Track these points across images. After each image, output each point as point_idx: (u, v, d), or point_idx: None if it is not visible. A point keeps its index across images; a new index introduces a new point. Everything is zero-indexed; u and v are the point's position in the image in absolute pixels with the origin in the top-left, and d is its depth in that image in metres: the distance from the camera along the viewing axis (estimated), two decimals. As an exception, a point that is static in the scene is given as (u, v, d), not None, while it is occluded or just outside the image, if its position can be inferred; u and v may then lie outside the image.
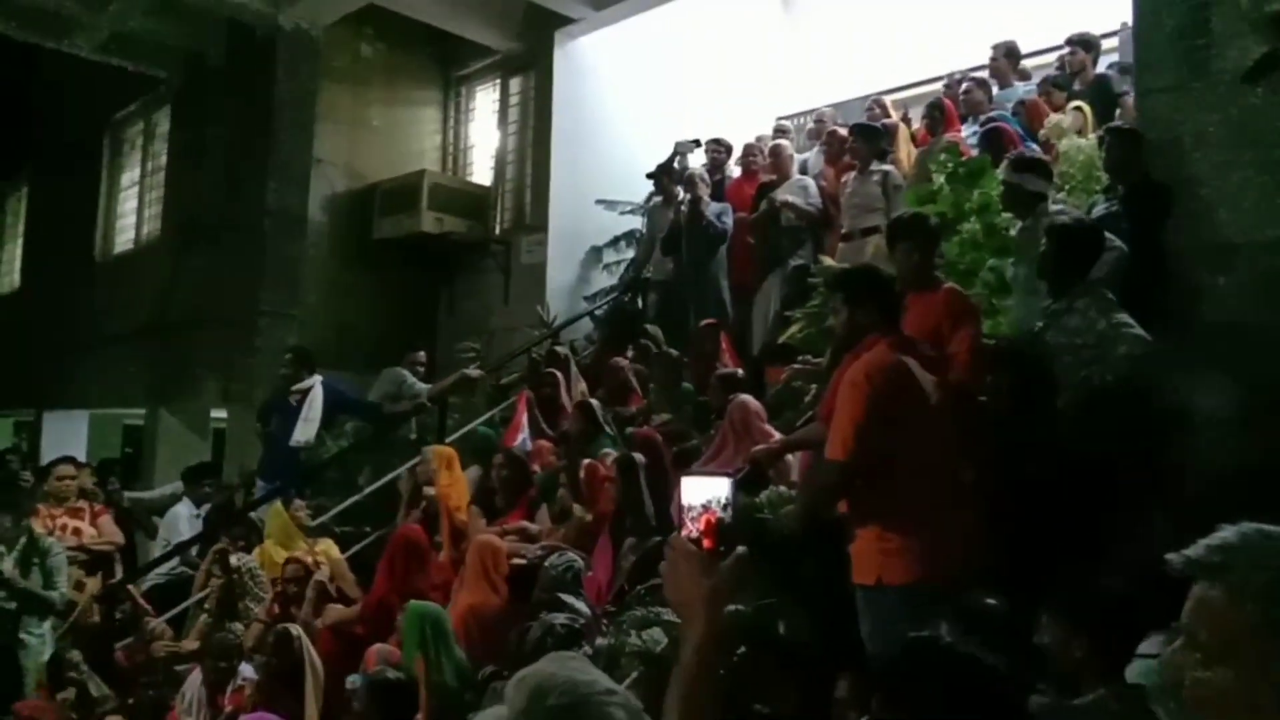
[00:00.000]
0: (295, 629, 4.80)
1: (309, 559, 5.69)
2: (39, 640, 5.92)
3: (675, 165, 8.10)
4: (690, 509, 1.53)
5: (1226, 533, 1.07)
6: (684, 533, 1.52)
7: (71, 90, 12.96)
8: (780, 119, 9.52)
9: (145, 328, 11.04)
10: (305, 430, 7.19)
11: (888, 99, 8.36)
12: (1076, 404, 3.71)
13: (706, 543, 1.49)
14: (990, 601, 2.56)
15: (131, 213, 12.44)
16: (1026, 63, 7.81)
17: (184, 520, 7.68)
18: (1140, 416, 3.58)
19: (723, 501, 1.52)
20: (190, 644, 5.76)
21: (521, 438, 6.53)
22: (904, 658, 1.84)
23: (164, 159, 11.83)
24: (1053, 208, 4.67)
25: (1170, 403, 3.75)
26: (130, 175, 12.67)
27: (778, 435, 4.86)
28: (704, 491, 1.53)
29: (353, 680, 4.38)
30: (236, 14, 9.75)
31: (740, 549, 1.49)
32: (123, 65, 10.93)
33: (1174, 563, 1.09)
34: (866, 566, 3.33)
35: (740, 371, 6.15)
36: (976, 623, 2.26)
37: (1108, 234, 4.26)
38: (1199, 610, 1.06)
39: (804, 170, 7.78)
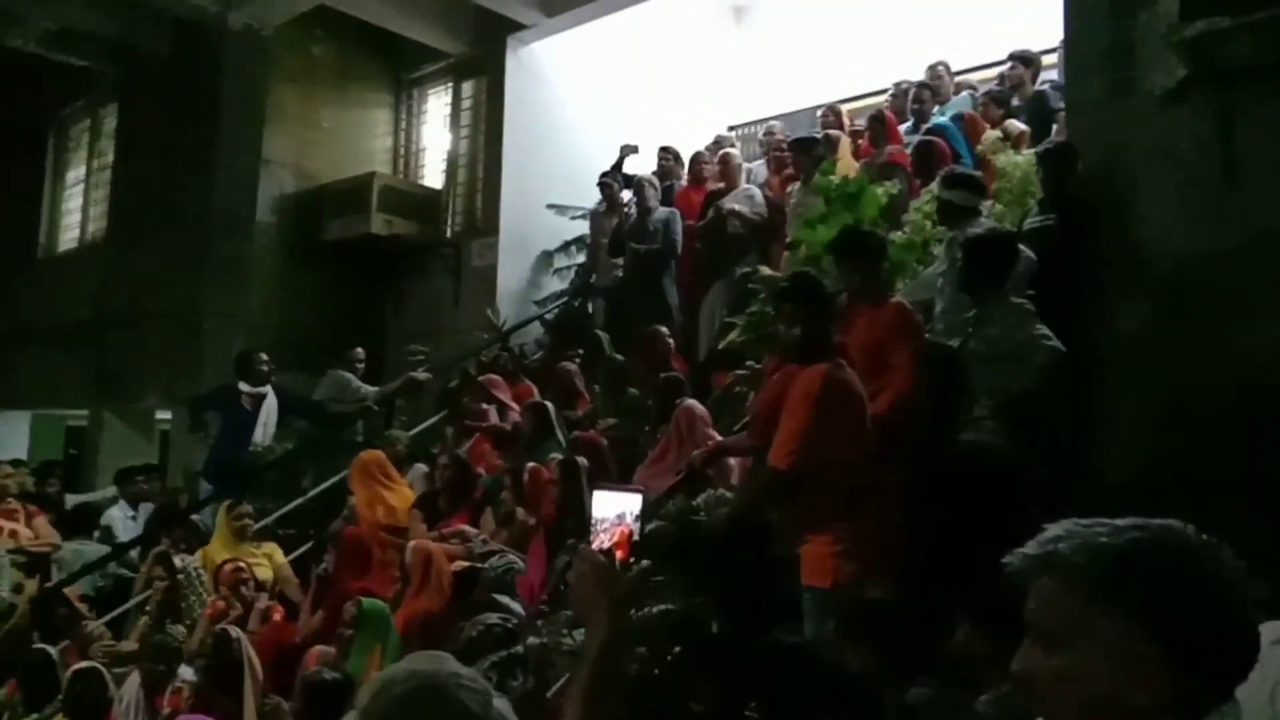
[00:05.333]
0: (234, 631, 4.79)
1: (245, 563, 5.67)
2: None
3: (620, 170, 8.16)
4: (601, 521, 1.59)
5: (1052, 529, 1.13)
6: (594, 544, 1.57)
7: (14, 85, 12.72)
8: (731, 128, 9.64)
9: (89, 327, 10.84)
10: (265, 434, 7.25)
11: (843, 107, 8.47)
12: (993, 411, 3.82)
13: (619, 553, 1.55)
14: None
15: (77, 210, 12.21)
16: (973, 77, 7.98)
17: (118, 522, 7.57)
18: (1054, 424, 3.70)
19: (635, 515, 1.58)
20: (129, 646, 5.71)
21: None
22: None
23: (110, 156, 11.65)
24: (984, 221, 4.80)
25: (1085, 410, 3.87)
26: (76, 172, 12.42)
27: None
28: (616, 505, 1.60)
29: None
30: (185, 11, 9.65)
31: (645, 562, 1.56)
32: (67, 60, 10.77)
33: (1010, 564, 1.14)
34: (821, 569, 3.38)
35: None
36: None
37: (1020, 245, 4.39)
38: (1037, 603, 1.12)
39: (750, 179, 7.88)
